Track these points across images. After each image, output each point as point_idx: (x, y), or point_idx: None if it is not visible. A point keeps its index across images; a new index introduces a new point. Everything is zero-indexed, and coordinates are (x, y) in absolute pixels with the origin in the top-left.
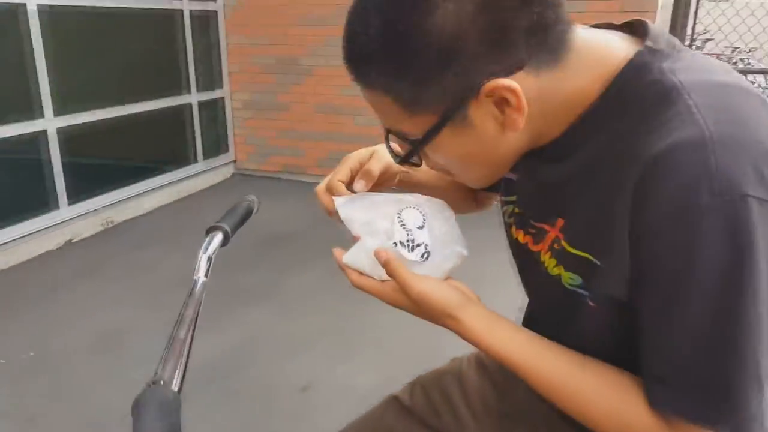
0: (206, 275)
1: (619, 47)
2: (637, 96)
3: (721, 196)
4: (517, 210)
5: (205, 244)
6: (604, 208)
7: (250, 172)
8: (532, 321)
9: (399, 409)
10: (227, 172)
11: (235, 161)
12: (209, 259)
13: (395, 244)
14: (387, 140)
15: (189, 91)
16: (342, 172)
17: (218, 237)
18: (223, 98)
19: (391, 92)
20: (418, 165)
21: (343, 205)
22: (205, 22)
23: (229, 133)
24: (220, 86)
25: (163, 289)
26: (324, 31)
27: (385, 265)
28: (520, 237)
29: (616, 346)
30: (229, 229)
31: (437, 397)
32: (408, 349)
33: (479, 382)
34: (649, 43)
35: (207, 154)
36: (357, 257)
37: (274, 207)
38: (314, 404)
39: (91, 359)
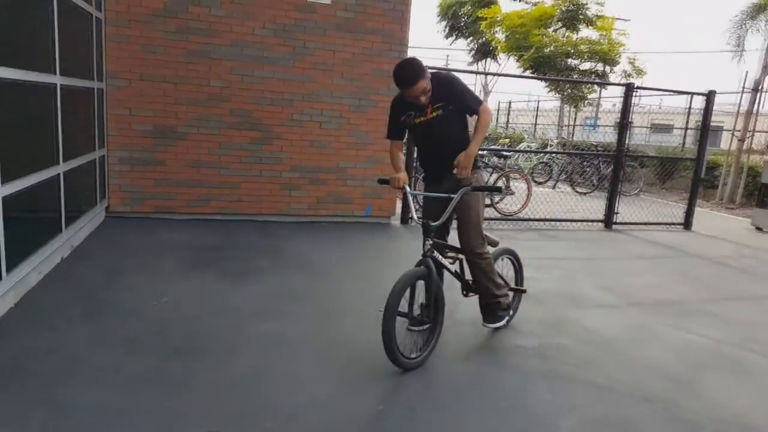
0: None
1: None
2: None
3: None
4: (419, 116)
5: None
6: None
7: (120, 215)
8: (426, 157)
9: None
10: (101, 215)
11: (107, 206)
12: None
13: None
14: (418, 97)
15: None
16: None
17: None
18: (103, 156)
19: (423, 80)
20: (428, 100)
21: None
22: (91, 96)
23: (106, 183)
24: (102, 146)
25: None
26: (196, 109)
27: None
28: (418, 120)
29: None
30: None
31: None
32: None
33: None
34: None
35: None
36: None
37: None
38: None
39: None
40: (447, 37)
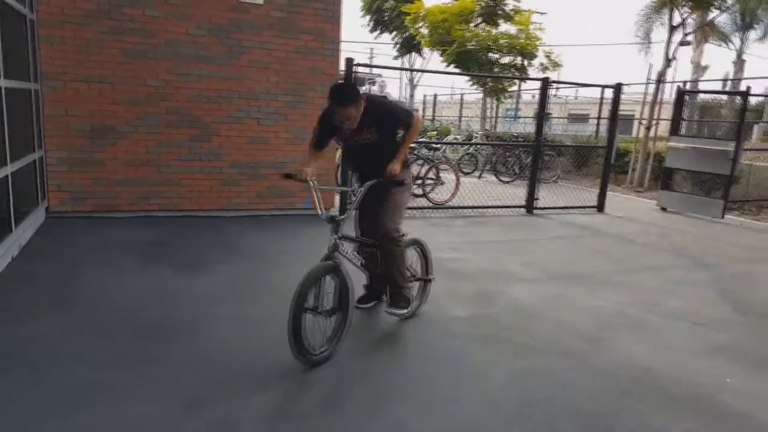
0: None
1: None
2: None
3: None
4: (354, 139)
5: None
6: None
7: (61, 215)
8: (362, 174)
9: None
10: (42, 215)
11: (47, 207)
12: None
13: None
14: (345, 122)
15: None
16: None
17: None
18: (41, 157)
19: (353, 105)
20: (355, 120)
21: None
22: (28, 97)
23: (46, 183)
24: (40, 147)
25: None
26: (134, 108)
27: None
28: (355, 141)
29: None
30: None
31: None
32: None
33: None
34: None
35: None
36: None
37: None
38: None
39: None
40: (372, 31)
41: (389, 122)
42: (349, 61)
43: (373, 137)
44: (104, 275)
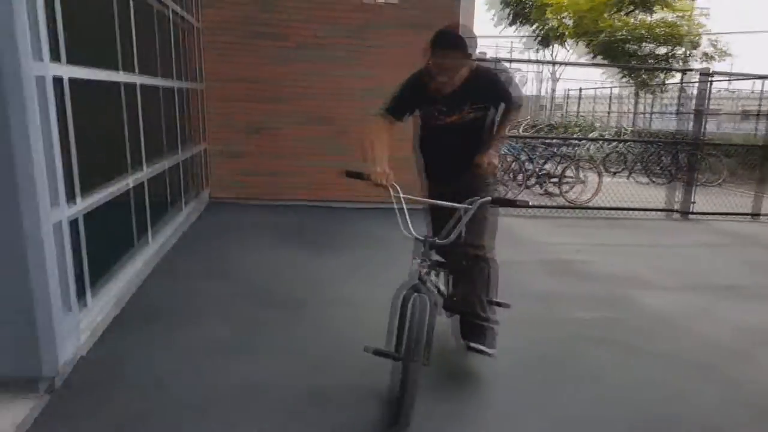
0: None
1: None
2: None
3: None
4: (450, 115)
5: None
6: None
7: (217, 200)
8: (437, 155)
9: None
10: (206, 199)
11: (210, 192)
12: None
13: None
14: (441, 72)
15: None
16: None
17: None
18: (205, 149)
19: (460, 51)
20: (452, 76)
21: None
22: (196, 96)
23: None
24: (204, 140)
25: None
26: (280, 105)
27: None
28: (448, 119)
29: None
30: None
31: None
32: None
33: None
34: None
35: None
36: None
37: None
38: None
39: None
40: (511, 24)
41: (497, 99)
42: (481, 56)
43: (473, 116)
44: (248, 252)
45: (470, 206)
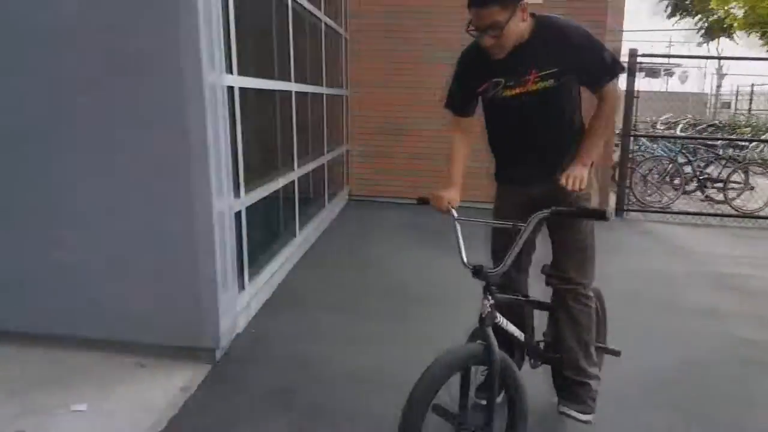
0: None
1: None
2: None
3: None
4: (512, 87)
5: None
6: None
7: (356, 197)
8: (507, 145)
9: None
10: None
11: (349, 191)
12: None
13: None
14: (482, 35)
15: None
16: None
17: None
18: (347, 150)
19: (497, 4)
20: (498, 36)
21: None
22: (340, 101)
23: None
24: (347, 142)
25: None
26: (419, 107)
27: None
28: (509, 93)
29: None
30: None
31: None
32: None
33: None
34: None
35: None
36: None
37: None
38: None
39: None
40: (670, 16)
41: (578, 62)
42: (633, 52)
43: (546, 85)
44: (385, 248)
45: (523, 224)
